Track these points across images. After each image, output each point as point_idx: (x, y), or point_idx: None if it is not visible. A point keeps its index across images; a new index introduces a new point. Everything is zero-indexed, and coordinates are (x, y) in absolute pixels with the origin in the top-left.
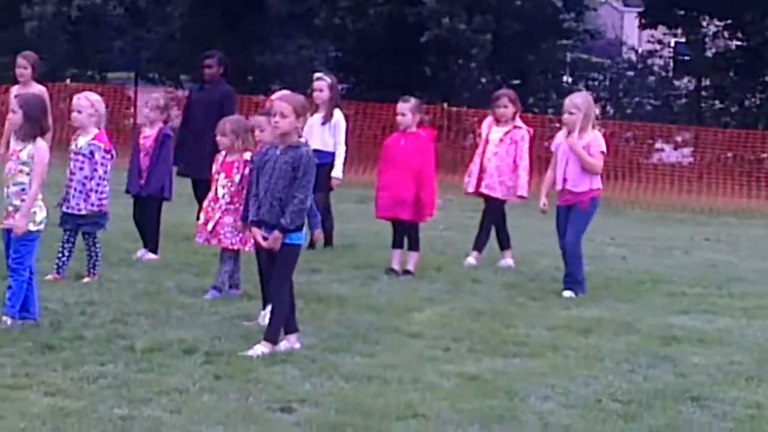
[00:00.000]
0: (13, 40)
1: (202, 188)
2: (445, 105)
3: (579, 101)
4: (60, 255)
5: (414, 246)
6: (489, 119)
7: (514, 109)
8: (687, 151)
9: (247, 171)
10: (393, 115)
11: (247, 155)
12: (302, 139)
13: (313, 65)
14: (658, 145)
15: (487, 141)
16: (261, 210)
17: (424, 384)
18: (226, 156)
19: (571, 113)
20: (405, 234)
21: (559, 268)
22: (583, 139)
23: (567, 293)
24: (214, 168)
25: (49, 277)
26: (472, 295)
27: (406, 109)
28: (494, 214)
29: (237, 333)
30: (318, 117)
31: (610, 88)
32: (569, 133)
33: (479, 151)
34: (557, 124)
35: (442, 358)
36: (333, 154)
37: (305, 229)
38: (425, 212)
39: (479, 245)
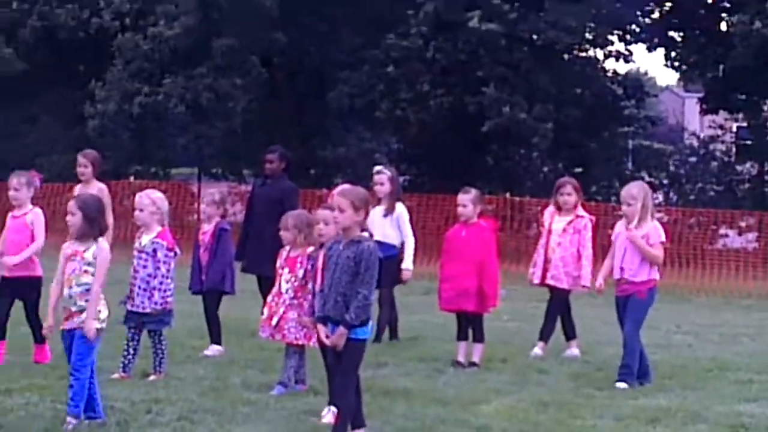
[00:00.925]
0: (77, 139)
1: (266, 284)
2: (508, 195)
3: (635, 191)
4: (125, 353)
5: (478, 337)
6: (551, 208)
7: (577, 198)
8: (751, 236)
9: (310, 266)
10: (455, 206)
11: (310, 250)
12: (365, 233)
13: (375, 157)
14: (722, 231)
15: (550, 231)
16: (326, 306)
17: None
18: (290, 251)
19: (629, 204)
20: (469, 326)
21: None
22: (642, 229)
23: (620, 384)
24: (278, 263)
25: (115, 375)
26: (539, 386)
27: (467, 201)
28: (560, 304)
29: (304, 429)
30: (380, 210)
31: (673, 175)
32: (628, 223)
33: (542, 241)
34: (620, 212)
35: None
36: (395, 247)
37: (371, 323)
38: (488, 303)
39: (545, 335)
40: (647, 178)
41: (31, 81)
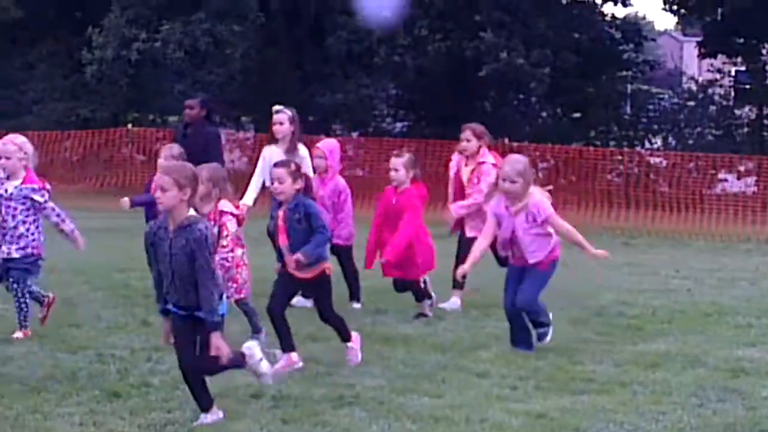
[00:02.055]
0: (75, 86)
1: None
2: (506, 140)
3: (522, 167)
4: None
5: (420, 298)
6: (457, 155)
7: (478, 143)
8: (750, 180)
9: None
10: (452, 152)
11: (223, 204)
12: (193, 214)
13: (373, 103)
14: (720, 176)
15: (458, 179)
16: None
17: (492, 423)
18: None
19: (513, 181)
20: (407, 290)
21: (626, 302)
22: (523, 207)
23: (545, 341)
24: None
25: (18, 334)
26: None
27: (399, 165)
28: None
29: (303, 376)
30: (278, 151)
31: (671, 119)
32: (509, 202)
33: (450, 190)
34: (618, 157)
35: (509, 397)
36: None
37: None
38: (421, 271)
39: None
40: (645, 123)
41: (29, 28)
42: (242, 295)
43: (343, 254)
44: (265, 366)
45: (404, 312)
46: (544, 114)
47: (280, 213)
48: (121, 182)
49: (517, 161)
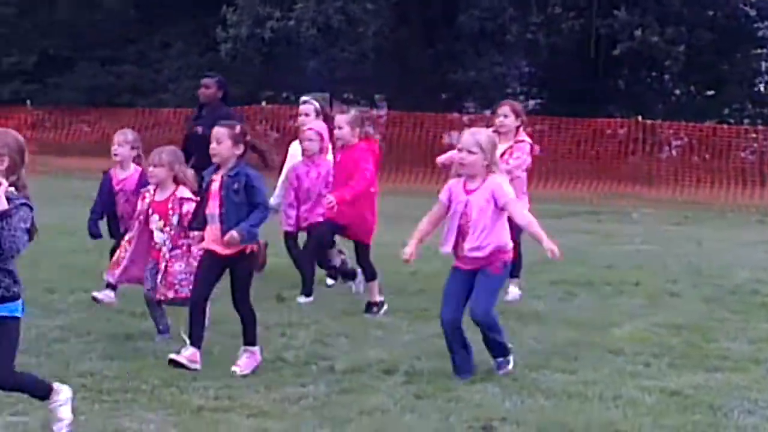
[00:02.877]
0: (209, 64)
1: None
2: (639, 118)
3: (483, 138)
4: None
5: (367, 274)
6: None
7: (515, 121)
8: None
9: (185, 211)
10: (586, 130)
11: (182, 191)
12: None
13: (506, 81)
14: None
15: None
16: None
17: (625, 400)
18: (155, 193)
19: (470, 152)
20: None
21: (761, 280)
22: (479, 182)
23: (504, 370)
24: (140, 206)
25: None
26: (671, 310)
27: (343, 122)
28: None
29: (435, 351)
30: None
31: None
32: (465, 178)
33: None
34: (753, 134)
35: (642, 374)
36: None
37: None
38: (369, 231)
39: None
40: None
41: (165, 7)
42: (170, 295)
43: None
44: (65, 413)
45: (536, 289)
46: (677, 92)
47: (216, 177)
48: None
49: (479, 132)
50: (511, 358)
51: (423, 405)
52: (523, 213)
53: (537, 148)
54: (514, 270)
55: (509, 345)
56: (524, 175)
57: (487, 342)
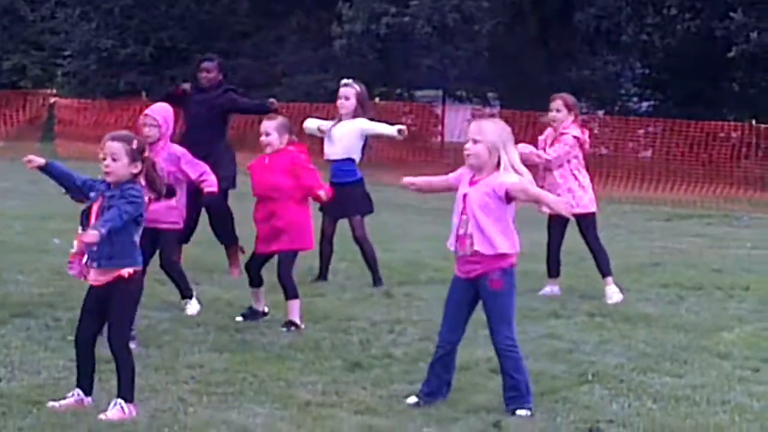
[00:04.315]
0: (323, 59)
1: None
2: (753, 121)
3: (488, 129)
4: None
5: (289, 292)
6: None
7: (567, 114)
8: None
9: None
10: (699, 133)
11: None
12: None
13: (619, 81)
14: None
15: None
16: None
17: (734, 405)
18: None
19: (475, 141)
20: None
21: None
22: (483, 175)
23: (521, 412)
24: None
25: None
26: None
27: (271, 128)
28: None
29: (543, 352)
30: (340, 127)
31: None
32: (473, 170)
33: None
34: None
35: (751, 379)
36: (357, 171)
37: None
38: (300, 241)
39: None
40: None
41: (281, 2)
42: None
43: (169, 238)
44: None
45: (645, 291)
46: None
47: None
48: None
49: (488, 122)
50: (527, 412)
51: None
52: (517, 179)
53: (587, 142)
54: (606, 267)
55: (531, 399)
56: (569, 168)
57: (505, 382)
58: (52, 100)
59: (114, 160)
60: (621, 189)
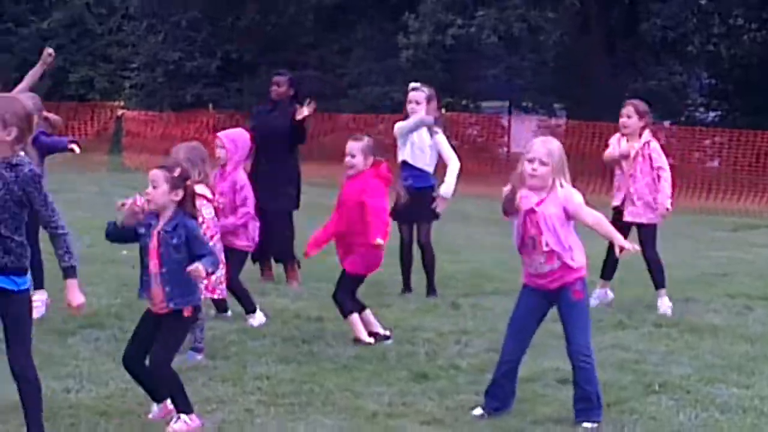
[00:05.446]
0: (389, 70)
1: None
2: None
3: (554, 149)
4: None
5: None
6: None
7: (639, 121)
8: None
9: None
10: (767, 143)
11: (198, 188)
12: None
13: (686, 92)
14: None
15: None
16: None
17: None
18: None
19: (543, 163)
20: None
21: None
22: (544, 194)
23: (587, 425)
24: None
25: None
26: None
27: (356, 150)
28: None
29: (610, 362)
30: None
31: None
32: (531, 189)
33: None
34: None
35: None
36: (430, 176)
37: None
38: (364, 263)
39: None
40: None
41: (346, 14)
42: (215, 295)
43: (236, 258)
44: None
45: (712, 302)
46: None
47: (155, 232)
48: None
49: (551, 141)
50: (592, 425)
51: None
52: (591, 212)
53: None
54: (660, 279)
55: (601, 412)
56: (652, 178)
57: (576, 393)
58: (120, 112)
59: (154, 187)
60: (688, 199)
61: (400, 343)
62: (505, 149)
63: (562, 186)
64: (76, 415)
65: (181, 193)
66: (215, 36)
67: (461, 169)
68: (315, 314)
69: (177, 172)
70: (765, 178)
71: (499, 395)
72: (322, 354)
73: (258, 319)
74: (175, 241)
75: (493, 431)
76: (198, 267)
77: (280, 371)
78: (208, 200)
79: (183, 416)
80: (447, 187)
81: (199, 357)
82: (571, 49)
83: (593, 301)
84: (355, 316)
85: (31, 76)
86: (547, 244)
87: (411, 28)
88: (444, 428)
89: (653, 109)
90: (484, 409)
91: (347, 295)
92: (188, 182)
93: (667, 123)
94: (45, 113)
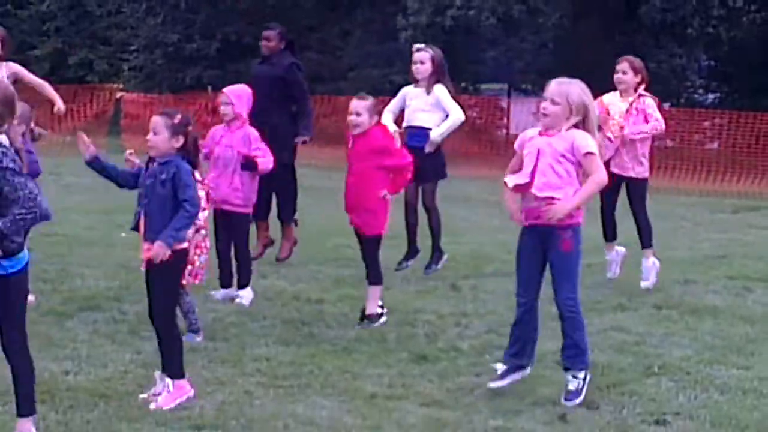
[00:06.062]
0: (389, 52)
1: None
2: None
3: (568, 90)
4: None
5: (370, 275)
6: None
7: (634, 78)
8: None
9: None
10: (766, 125)
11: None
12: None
13: (685, 74)
14: None
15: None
16: None
17: None
18: None
19: (554, 102)
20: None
21: None
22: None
23: (571, 386)
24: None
25: None
26: None
27: (362, 108)
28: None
29: (609, 344)
30: (417, 91)
31: None
32: (544, 129)
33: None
34: None
35: None
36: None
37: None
38: (376, 224)
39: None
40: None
41: None
42: (197, 281)
43: (238, 225)
44: None
45: (712, 283)
46: None
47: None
48: None
49: (568, 82)
50: (583, 381)
51: (596, 397)
52: (599, 171)
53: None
54: (648, 240)
55: (588, 359)
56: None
57: (564, 342)
58: (119, 94)
59: (155, 133)
60: (687, 181)
61: (400, 325)
62: (505, 131)
63: (578, 128)
64: (75, 398)
65: (182, 139)
66: (215, 18)
67: (459, 151)
68: (315, 296)
69: (177, 118)
70: (765, 160)
71: (519, 344)
72: (322, 336)
73: (247, 296)
74: (163, 176)
75: (492, 412)
76: (157, 249)
77: (279, 353)
78: (200, 183)
79: (169, 383)
80: (437, 129)
81: (199, 339)
82: (570, 31)
83: (611, 275)
84: (381, 288)
85: (41, 86)
86: (544, 173)
87: (410, 9)
88: (443, 410)
89: (652, 91)
90: (504, 362)
91: (378, 262)
92: (189, 128)
93: (666, 105)
94: (33, 125)
